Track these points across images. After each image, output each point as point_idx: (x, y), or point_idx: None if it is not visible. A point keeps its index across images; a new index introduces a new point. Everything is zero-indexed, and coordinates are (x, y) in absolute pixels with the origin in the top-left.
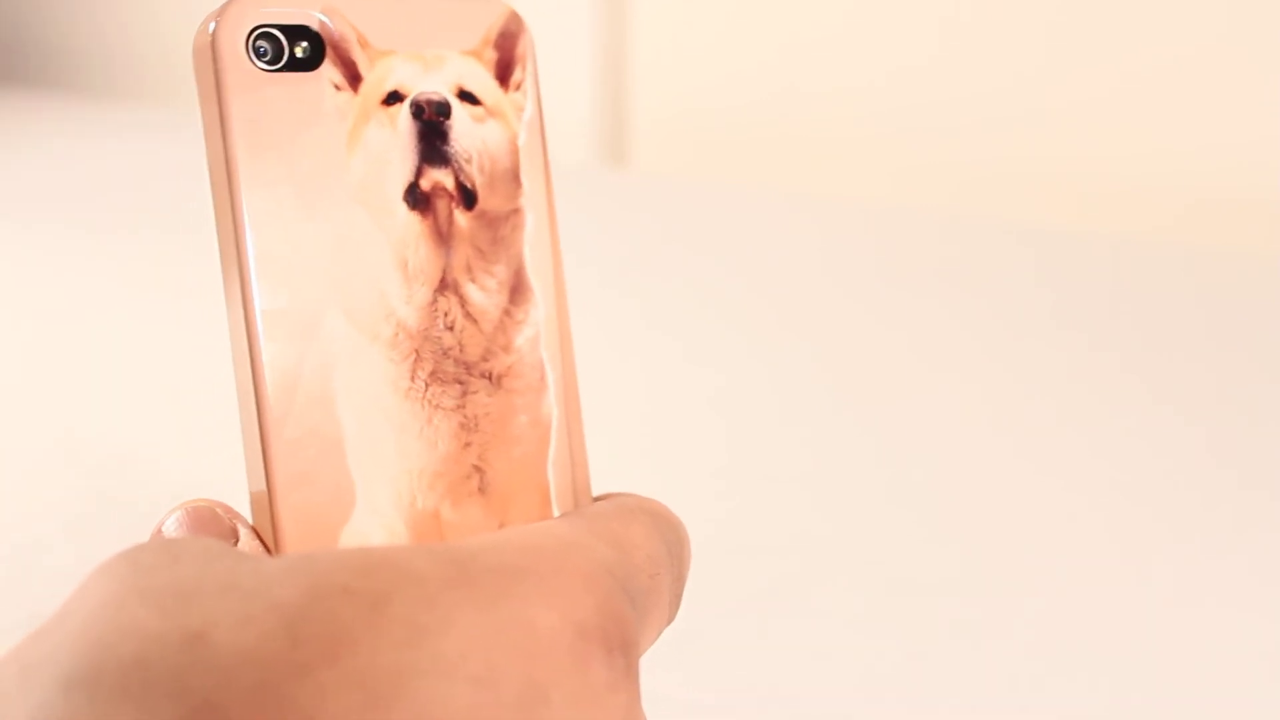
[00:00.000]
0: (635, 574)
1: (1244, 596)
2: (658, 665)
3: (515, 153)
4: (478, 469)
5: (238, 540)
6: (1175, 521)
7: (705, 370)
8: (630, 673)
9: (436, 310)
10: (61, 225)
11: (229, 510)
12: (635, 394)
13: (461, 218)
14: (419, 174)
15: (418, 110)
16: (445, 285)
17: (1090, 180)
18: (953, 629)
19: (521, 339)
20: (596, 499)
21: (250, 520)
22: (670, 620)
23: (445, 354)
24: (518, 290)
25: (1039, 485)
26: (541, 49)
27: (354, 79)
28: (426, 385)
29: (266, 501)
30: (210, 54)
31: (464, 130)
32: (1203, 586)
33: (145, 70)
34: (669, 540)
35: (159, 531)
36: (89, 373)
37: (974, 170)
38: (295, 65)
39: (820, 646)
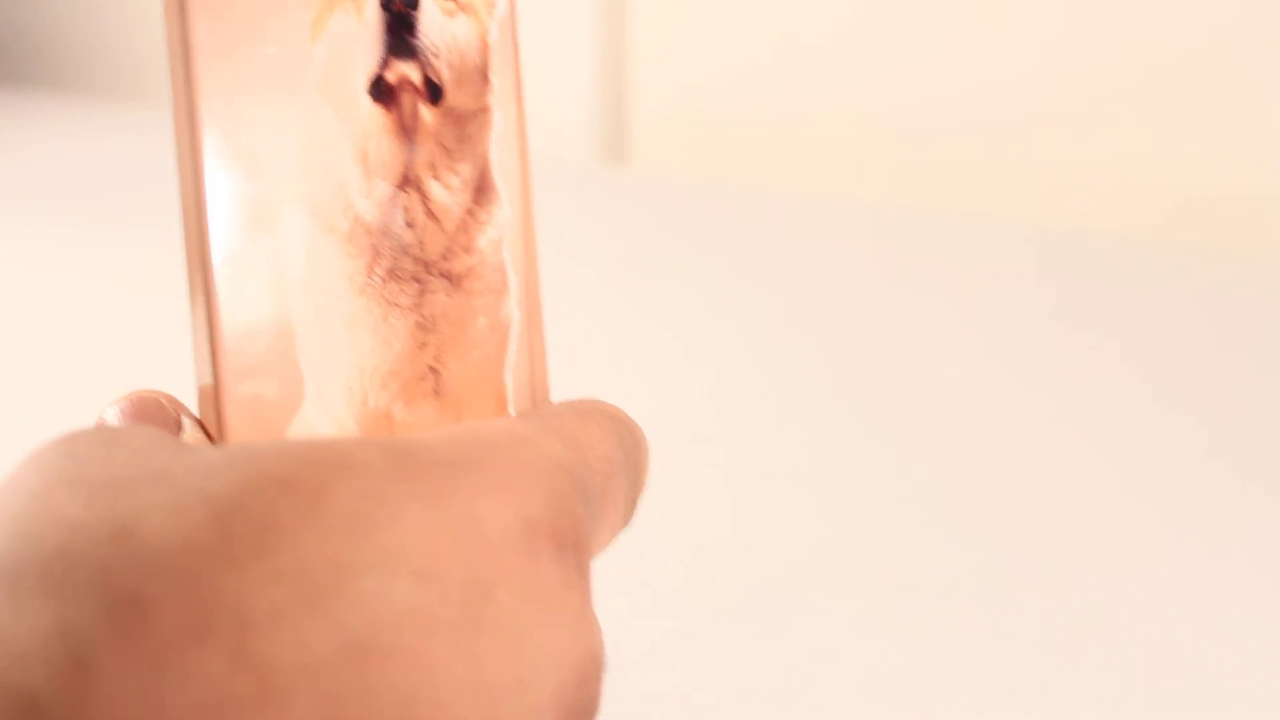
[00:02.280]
0: (589, 473)
1: (1246, 596)
2: (658, 665)
3: (485, 49)
4: (433, 370)
5: (181, 432)
6: (1177, 520)
7: (705, 369)
8: (582, 571)
9: (397, 206)
10: (60, 225)
11: (174, 401)
12: (635, 393)
13: (427, 113)
14: (384, 66)
15: (386, 1)
16: (407, 181)
17: (1090, 180)
18: (954, 629)
19: (484, 240)
20: (546, 407)
21: (197, 414)
22: (625, 524)
23: (404, 251)
24: (482, 190)
25: (1040, 484)
26: (541, 49)
27: None
28: (383, 282)
29: (213, 393)
30: None
31: (433, 23)
32: (1205, 586)
33: (145, 70)
34: (625, 443)
35: (100, 421)
36: (88, 372)
37: (974, 170)
38: None
39: (821, 646)
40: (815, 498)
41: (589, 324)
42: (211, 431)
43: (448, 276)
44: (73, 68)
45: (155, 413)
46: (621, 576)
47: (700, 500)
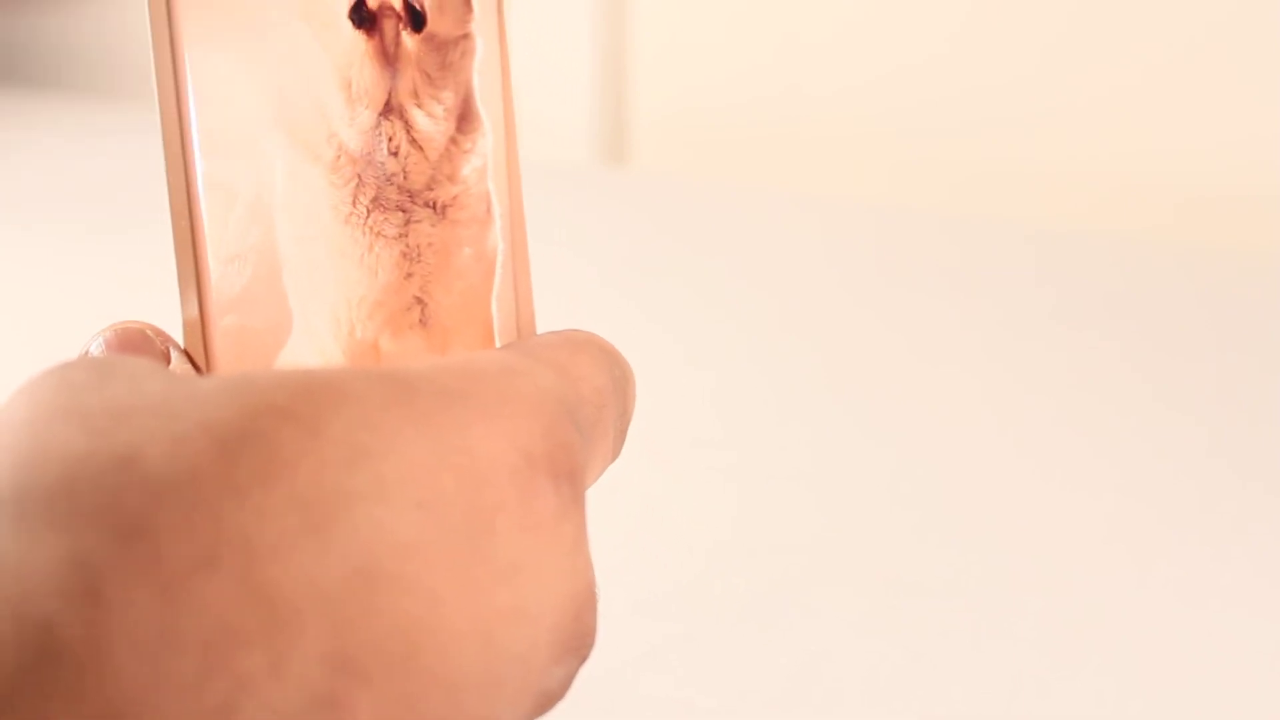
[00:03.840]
0: (581, 404)
1: (1246, 596)
2: (658, 665)
3: None
4: (419, 300)
5: (168, 364)
6: (1177, 520)
7: (705, 369)
8: (577, 501)
9: (380, 134)
10: (60, 225)
11: (160, 333)
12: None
13: (409, 40)
14: None
15: None
16: (390, 109)
17: (1091, 180)
18: (955, 629)
19: (468, 169)
20: (538, 337)
21: (182, 345)
22: (614, 457)
23: (388, 180)
24: (466, 119)
25: (1040, 484)
26: (541, 49)
27: None
28: (368, 212)
29: (199, 324)
30: None
31: None
32: (1204, 585)
33: (144, 70)
34: (615, 375)
35: (86, 353)
36: None
37: (974, 170)
38: None
39: (822, 647)
40: (816, 498)
41: (589, 324)
42: (199, 363)
43: (432, 206)
44: (73, 68)
45: (141, 344)
46: (623, 577)
47: (701, 500)
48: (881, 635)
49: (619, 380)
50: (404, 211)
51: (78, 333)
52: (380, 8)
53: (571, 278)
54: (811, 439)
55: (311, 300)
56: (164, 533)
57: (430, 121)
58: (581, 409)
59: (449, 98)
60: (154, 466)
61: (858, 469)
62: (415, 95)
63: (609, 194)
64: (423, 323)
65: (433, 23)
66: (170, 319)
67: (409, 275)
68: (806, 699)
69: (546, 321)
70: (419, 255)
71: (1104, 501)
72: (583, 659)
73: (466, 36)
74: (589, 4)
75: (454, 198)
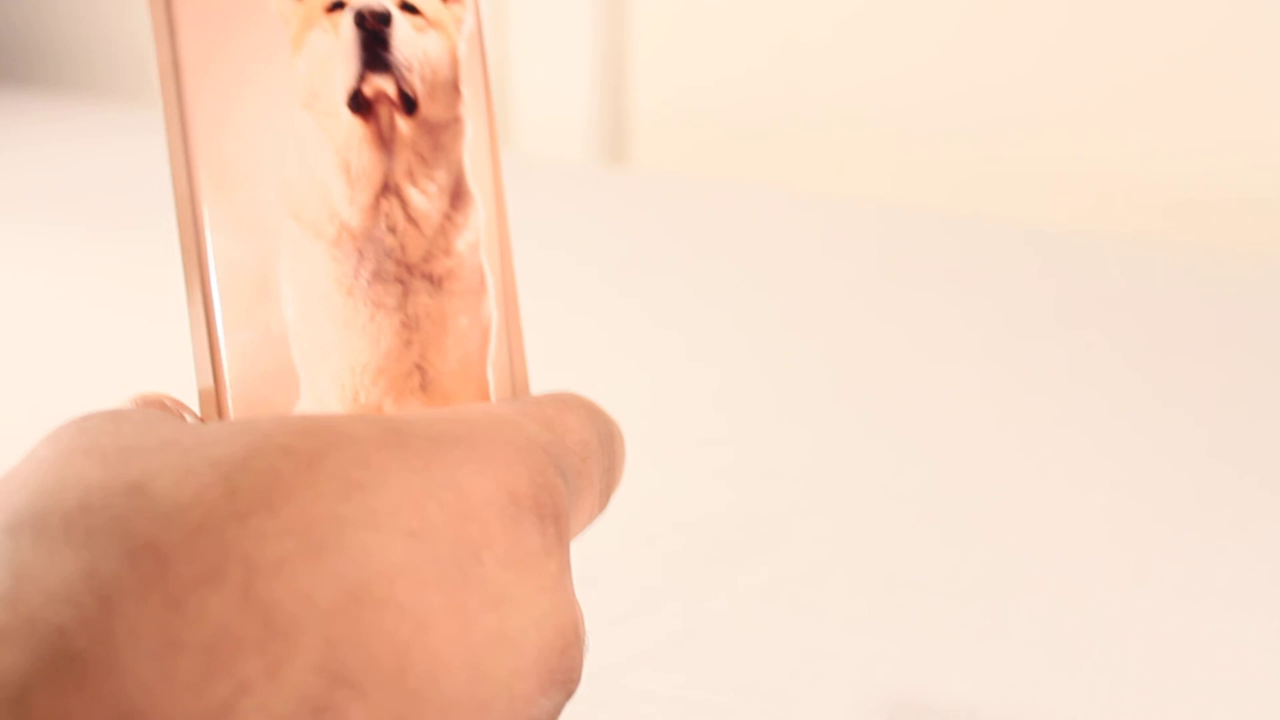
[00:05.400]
0: (567, 454)
1: (1245, 595)
2: (658, 665)
3: (455, 63)
4: (419, 367)
5: None
6: (1176, 519)
7: (706, 368)
8: (561, 542)
9: (379, 212)
10: (60, 225)
11: (177, 402)
12: (636, 392)
13: (403, 124)
14: (361, 79)
15: (360, 18)
16: (387, 188)
17: (1091, 180)
18: (955, 628)
19: (462, 243)
20: (527, 396)
21: (198, 414)
22: (600, 511)
23: (387, 255)
24: (458, 195)
25: (1041, 483)
26: (541, 49)
27: None
28: (369, 284)
29: (214, 394)
30: None
31: (405, 39)
32: (1204, 584)
33: (145, 70)
34: (601, 431)
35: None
36: (88, 372)
37: (974, 170)
38: None
39: (821, 646)
40: (817, 496)
41: (589, 324)
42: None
43: (429, 278)
44: (73, 68)
45: (160, 409)
46: (623, 577)
47: (702, 498)
48: (881, 633)
49: (605, 436)
50: (402, 283)
51: (78, 333)
52: (376, 95)
53: (571, 278)
54: (813, 437)
55: (318, 368)
56: (171, 551)
57: (425, 199)
58: (566, 459)
59: (442, 176)
60: (162, 493)
61: (858, 467)
62: (410, 175)
63: (609, 194)
64: (423, 388)
65: (425, 108)
66: (170, 319)
67: (409, 343)
68: (807, 697)
69: (547, 322)
70: (418, 324)
71: (1104, 500)
72: (569, 693)
73: (457, 119)
74: (589, 4)
75: (449, 270)
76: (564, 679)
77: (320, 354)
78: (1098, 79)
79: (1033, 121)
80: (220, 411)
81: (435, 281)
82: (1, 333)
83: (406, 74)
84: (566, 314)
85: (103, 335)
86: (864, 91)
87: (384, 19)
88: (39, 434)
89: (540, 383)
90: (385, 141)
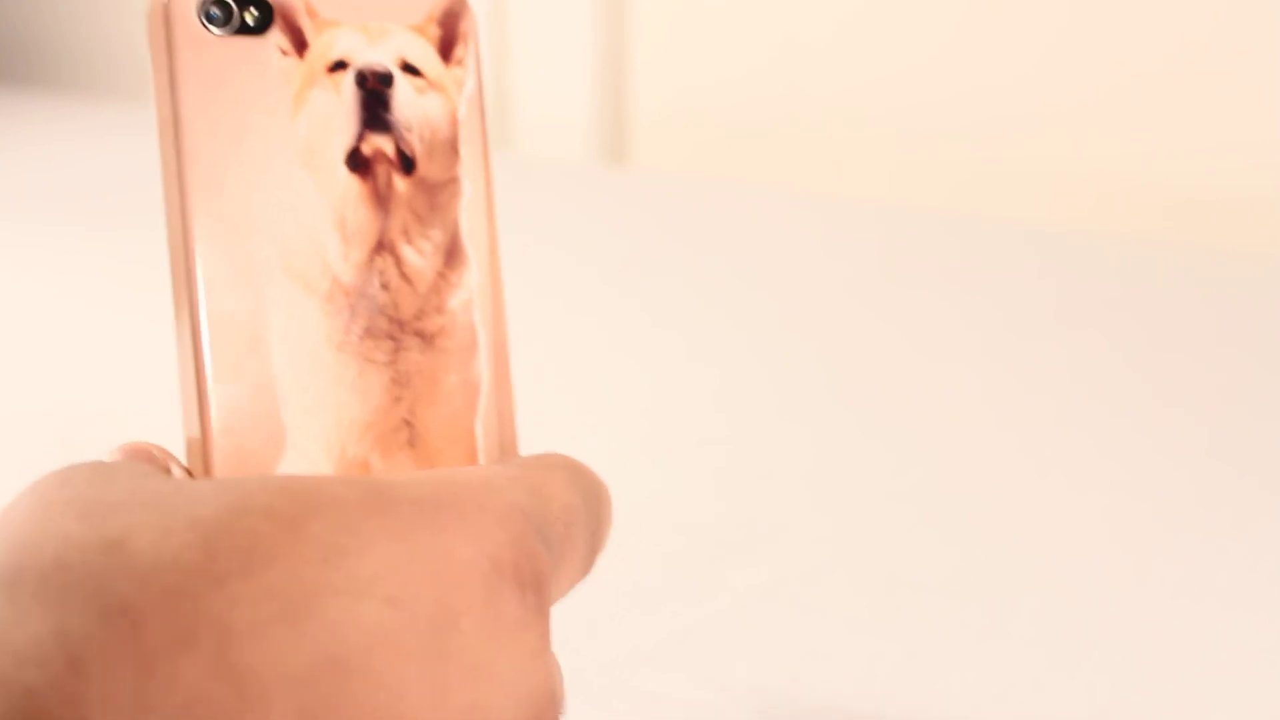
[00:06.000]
0: (550, 520)
1: (1245, 595)
2: (658, 665)
3: (455, 124)
4: (407, 423)
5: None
6: (1176, 519)
7: (706, 368)
8: (541, 611)
9: (373, 269)
10: (59, 225)
11: (164, 452)
12: (636, 392)
13: (400, 183)
14: (360, 139)
15: (361, 78)
16: (382, 246)
17: (1091, 180)
18: (955, 628)
19: (455, 301)
20: (514, 459)
21: (184, 463)
22: (584, 575)
23: (380, 311)
24: (453, 255)
25: (1041, 483)
26: (541, 49)
27: (300, 45)
28: (360, 339)
29: (200, 445)
30: (163, 17)
31: (405, 100)
32: (1204, 584)
33: (145, 70)
34: (587, 495)
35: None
36: (87, 372)
37: (974, 170)
38: (244, 30)
39: (821, 646)
40: (817, 496)
41: (589, 324)
42: (199, 479)
43: (421, 335)
44: (73, 68)
45: (146, 459)
46: (623, 574)
47: (702, 498)
48: (881, 633)
49: (590, 500)
50: (394, 340)
51: (78, 333)
52: (374, 154)
53: (572, 278)
54: (813, 437)
55: (305, 421)
56: (145, 613)
57: (419, 258)
58: (550, 525)
59: (437, 235)
60: (140, 552)
61: (858, 467)
62: (406, 233)
63: (609, 194)
64: (411, 443)
65: (423, 168)
66: (168, 321)
67: (398, 399)
68: (807, 697)
69: (547, 322)
70: (408, 381)
71: (1104, 500)
72: None
73: (454, 180)
74: (589, 4)
75: (441, 328)
76: None
77: (308, 408)
78: (1098, 79)
79: (1033, 121)
80: (206, 462)
81: (427, 339)
82: (2, 333)
83: (406, 134)
84: (566, 314)
85: (103, 335)
86: (864, 91)
87: (386, 80)
88: (39, 434)
89: (542, 382)
90: (382, 200)
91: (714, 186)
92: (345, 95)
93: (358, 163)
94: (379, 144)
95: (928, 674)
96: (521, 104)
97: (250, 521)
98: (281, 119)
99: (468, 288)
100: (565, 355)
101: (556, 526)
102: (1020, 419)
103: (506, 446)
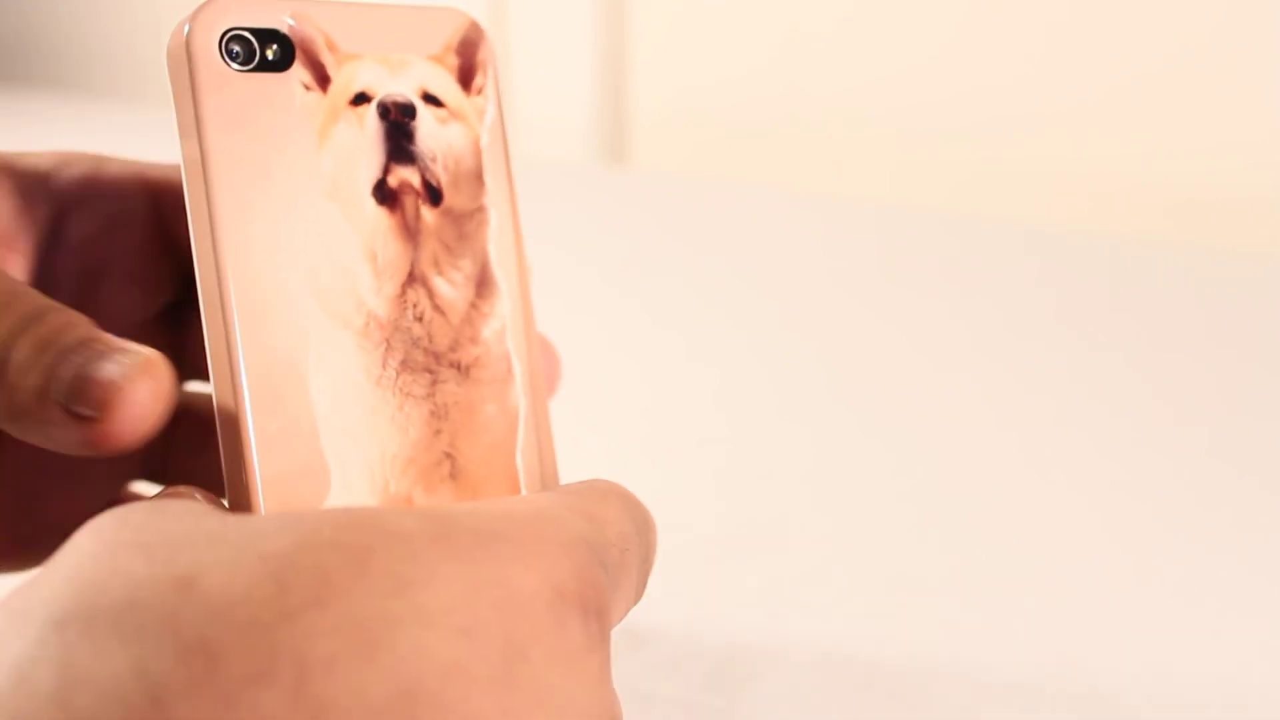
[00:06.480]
0: (608, 547)
1: (1245, 595)
2: (657, 664)
3: (478, 153)
4: (448, 455)
5: None
6: (1176, 520)
7: (706, 368)
8: (604, 637)
9: (406, 302)
10: None
11: (208, 495)
12: (636, 392)
13: (428, 214)
14: (386, 171)
15: (384, 110)
16: (413, 278)
17: (1091, 180)
18: (954, 628)
19: (488, 331)
20: (564, 486)
21: (227, 505)
22: (637, 599)
23: (415, 344)
24: (484, 284)
25: (1041, 483)
26: (541, 49)
27: (322, 80)
28: (397, 374)
29: (244, 486)
30: (185, 55)
31: (429, 131)
32: (1204, 584)
33: (145, 70)
34: (638, 522)
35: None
36: None
37: (974, 170)
38: (266, 66)
39: (821, 646)
40: (817, 496)
41: (589, 324)
42: (255, 515)
43: (457, 366)
44: (73, 68)
45: (191, 499)
46: None
47: (702, 498)
48: (881, 633)
49: (641, 527)
50: (430, 372)
51: None
52: (401, 186)
53: (571, 278)
54: (813, 437)
55: (348, 457)
56: (222, 648)
57: (451, 288)
58: (608, 552)
59: (467, 265)
60: (212, 589)
61: (858, 467)
62: (436, 265)
63: (609, 194)
64: (452, 476)
65: (449, 198)
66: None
67: (438, 432)
68: (807, 697)
69: (547, 322)
70: (446, 413)
71: (1104, 500)
72: None
73: (481, 209)
74: (589, 4)
75: (476, 358)
76: None
77: (349, 443)
78: (1098, 79)
79: (1033, 121)
80: (250, 502)
81: (463, 370)
82: None
83: (431, 165)
84: (566, 314)
85: None
86: (864, 91)
87: (408, 111)
88: None
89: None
90: (411, 232)
91: (714, 186)
92: (369, 128)
93: (385, 195)
94: (405, 175)
95: (928, 674)
96: (521, 104)
97: (318, 555)
98: (307, 154)
99: (500, 316)
100: (565, 355)
101: (613, 553)
102: (1020, 419)
103: (547, 474)
